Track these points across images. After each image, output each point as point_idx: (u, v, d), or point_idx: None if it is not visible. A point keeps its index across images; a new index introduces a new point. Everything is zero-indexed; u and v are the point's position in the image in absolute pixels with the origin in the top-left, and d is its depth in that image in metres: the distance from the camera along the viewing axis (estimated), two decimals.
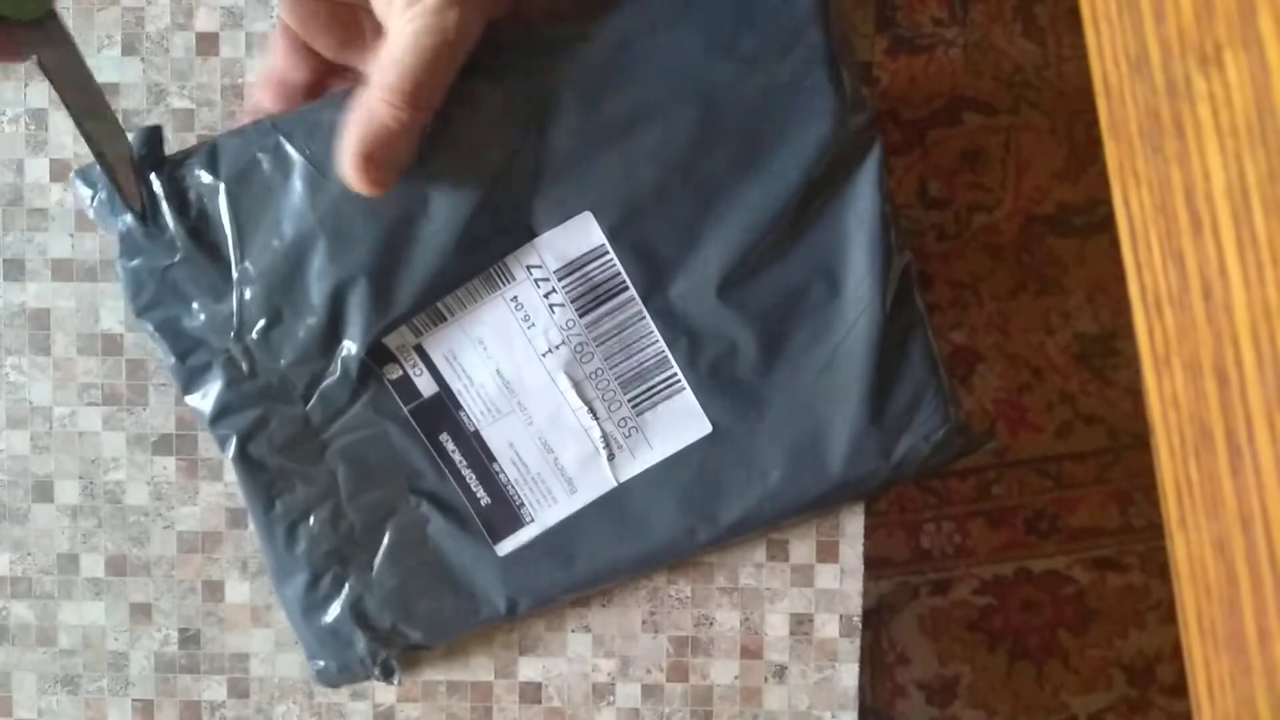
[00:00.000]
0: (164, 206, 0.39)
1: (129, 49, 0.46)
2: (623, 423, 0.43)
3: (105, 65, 0.46)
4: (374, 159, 0.36)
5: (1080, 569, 1.15)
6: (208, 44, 0.46)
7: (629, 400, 0.43)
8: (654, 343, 0.42)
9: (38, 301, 0.47)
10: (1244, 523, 0.24)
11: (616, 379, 0.43)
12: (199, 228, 0.40)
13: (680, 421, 0.43)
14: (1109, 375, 1.14)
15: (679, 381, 0.43)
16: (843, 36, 0.41)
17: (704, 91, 0.40)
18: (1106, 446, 1.15)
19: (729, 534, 0.45)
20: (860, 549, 0.48)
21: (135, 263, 0.40)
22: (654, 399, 0.43)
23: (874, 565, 1.12)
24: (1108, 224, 1.12)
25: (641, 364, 0.43)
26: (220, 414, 0.41)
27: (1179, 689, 1.15)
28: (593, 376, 0.43)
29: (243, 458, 0.42)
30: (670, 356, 0.42)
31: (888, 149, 1.11)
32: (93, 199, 0.40)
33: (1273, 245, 0.22)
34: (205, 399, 0.41)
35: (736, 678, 0.48)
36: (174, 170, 0.39)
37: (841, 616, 0.48)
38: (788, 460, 0.43)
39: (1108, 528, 1.16)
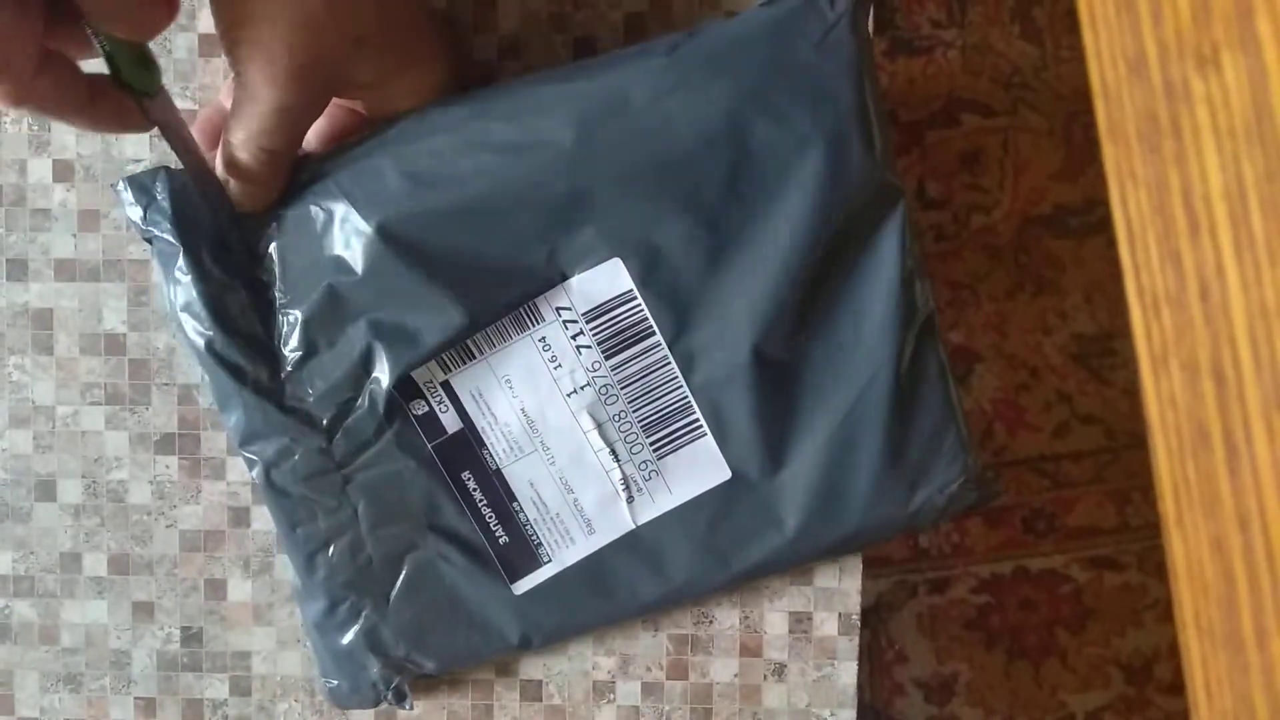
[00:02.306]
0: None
1: None
2: (643, 466, 0.44)
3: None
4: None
5: (1078, 568, 1.16)
6: (210, 45, 0.46)
7: (651, 444, 0.43)
8: (678, 388, 0.43)
9: (40, 301, 0.47)
10: (1241, 522, 0.24)
11: (639, 422, 0.43)
12: (247, 258, 0.40)
13: (700, 467, 0.44)
14: (1106, 375, 1.14)
15: (701, 427, 0.43)
16: (875, 92, 0.41)
17: (734, 144, 0.40)
18: (1104, 446, 1.15)
19: (744, 578, 0.45)
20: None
21: (184, 278, 0.40)
22: (675, 443, 0.43)
23: (872, 564, 1.12)
24: (1105, 225, 1.12)
25: (665, 408, 0.43)
26: (248, 438, 0.42)
27: (1176, 687, 1.16)
28: (616, 419, 0.43)
29: (268, 484, 0.42)
30: (693, 402, 0.43)
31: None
32: (147, 209, 0.40)
33: (1270, 246, 0.23)
34: (235, 421, 0.42)
35: (736, 675, 0.48)
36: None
37: (840, 615, 0.48)
38: (805, 509, 0.44)
39: (1105, 527, 1.16)
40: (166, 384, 0.47)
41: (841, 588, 0.48)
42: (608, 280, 0.41)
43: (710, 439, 0.43)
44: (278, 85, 0.37)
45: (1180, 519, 0.27)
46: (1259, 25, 0.22)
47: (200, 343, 0.40)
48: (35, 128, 0.47)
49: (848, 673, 0.49)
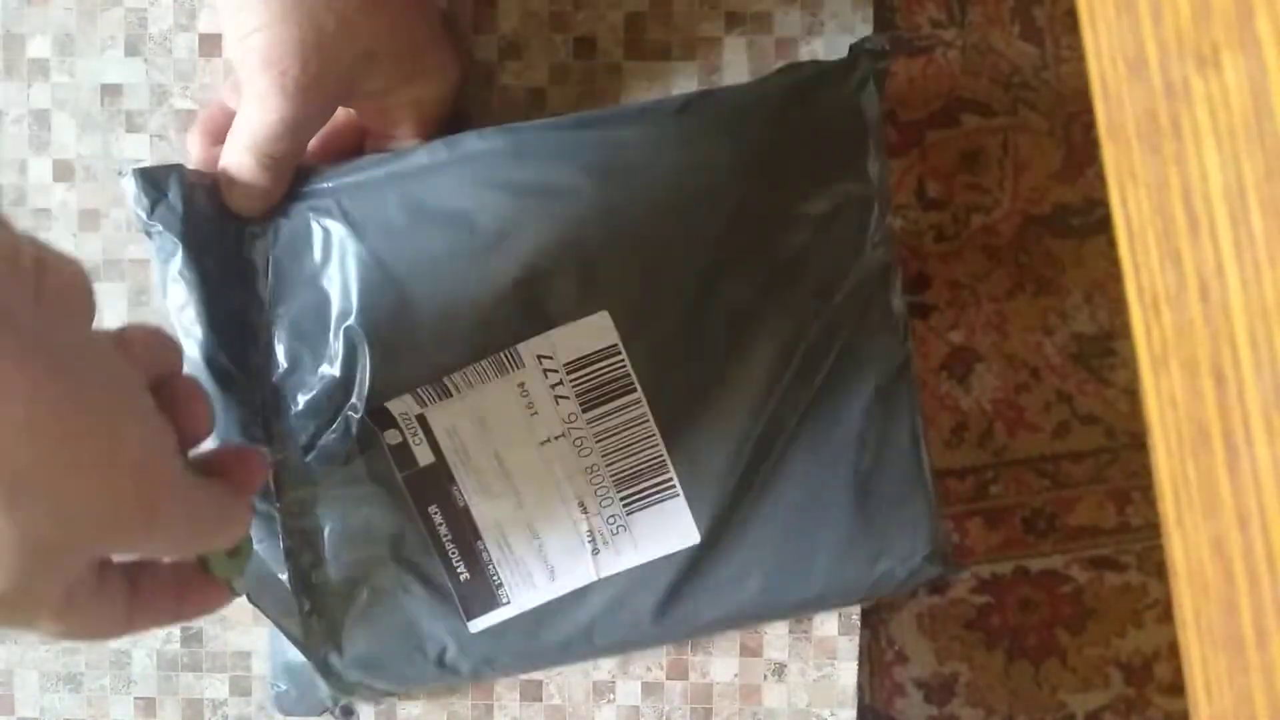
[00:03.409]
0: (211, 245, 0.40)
1: (132, 50, 0.46)
2: (611, 520, 0.43)
3: (108, 66, 0.46)
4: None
5: (1078, 568, 1.16)
6: (210, 45, 0.46)
7: (621, 499, 0.43)
8: (654, 446, 0.43)
9: None
10: (1241, 522, 0.24)
11: (612, 476, 0.43)
12: (245, 266, 0.40)
13: (669, 526, 0.43)
14: (1106, 375, 1.14)
15: (673, 487, 0.43)
16: (883, 168, 0.41)
17: (735, 209, 0.40)
18: (1104, 446, 1.15)
19: (702, 633, 0.46)
20: None
21: (183, 279, 0.40)
22: (646, 501, 0.43)
23: None
24: (1105, 225, 1.12)
25: (639, 465, 0.43)
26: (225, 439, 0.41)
27: (1176, 688, 1.16)
28: (588, 471, 0.43)
29: None
30: (669, 461, 0.43)
31: (886, 151, 1.11)
32: (155, 204, 0.39)
33: (1270, 246, 0.23)
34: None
35: (736, 675, 0.48)
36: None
37: (840, 614, 0.48)
38: (770, 571, 0.44)
39: (1105, 527, 1.16)
40: None
41: None
42: (592, 333, 0.41)
43: (682, 499, 0.43)
44: (287, 96, 0.37)
45: (1180, 519, 0.27)
46: (1259, 25, 0.22)
47: (191, 344, 0.40)
48: (35, 127, 0.47)
49: (848, 673, 0.49)
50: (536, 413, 0.42)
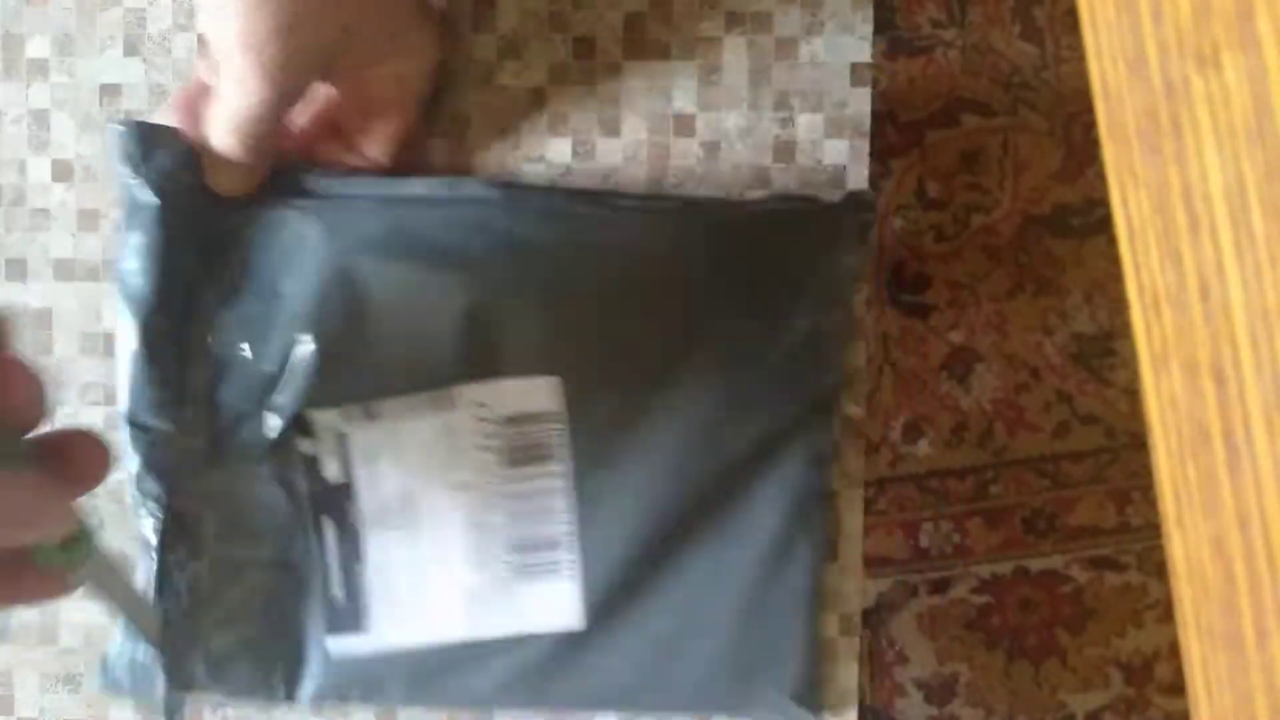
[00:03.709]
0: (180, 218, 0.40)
1: (131, 50, 0.46)
2: (500, 583, 0.42)
3: (107, 66, 0.46)
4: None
5: (1078, 568, 1.16)
6: None
7: (516, 564, 0.42)
8: (565, 521, 0.42)
9: (40, 301, 0.47)
10: (1241, 522, 0.24)
11: (513, 540, 0.42)
12: (209, 250, 0.40)
13: (556, 606, 0.43)
14: (1106, 375, 1.14)
15: (571, 566, 0.42)
16: (852, 313, 0.42)
17: (705, 313, 0.41)
18: (1104, 446, 1.15)
19: (566, 713, 0.44)
20: (859, 547, 0.48)
21: (146, 237, 0.40)
22: (541, 573, 0.42)
23: (873, 564, 1.12)
24: (1105, 225, 1.12)
25: (544, 536, 0.42)
26: (134, 412, 0.41)
27: (1177, 688, 1.16)
28: (492, 528, 0.42)
29: (140, 468, 0.41)
30: (577, 540, 0.42)
31: (885, 151, 1.12)
32: (144, 159, 0.39)
33: (1270, 246, 0.23)
34: (130, 391, 0.41)
35: None
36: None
37: (840, 615, 0.48)
38: (634, 679, 0.43)
39: (1105, 527, 1.16)
40: None
41: (842, 588, 0.48)
42: (539, 394, 0.41)
43: (578, 583, 0.42)
44: (264, 76, 0.37)
45: (1180, 519, 0.27)
46: (1259, 25, 0.22)
47: (132, 304, 0.40)
48: (34, 127, 0.47)
49: (848, 673, 0.48)
50: (457, 459, 0.41)
